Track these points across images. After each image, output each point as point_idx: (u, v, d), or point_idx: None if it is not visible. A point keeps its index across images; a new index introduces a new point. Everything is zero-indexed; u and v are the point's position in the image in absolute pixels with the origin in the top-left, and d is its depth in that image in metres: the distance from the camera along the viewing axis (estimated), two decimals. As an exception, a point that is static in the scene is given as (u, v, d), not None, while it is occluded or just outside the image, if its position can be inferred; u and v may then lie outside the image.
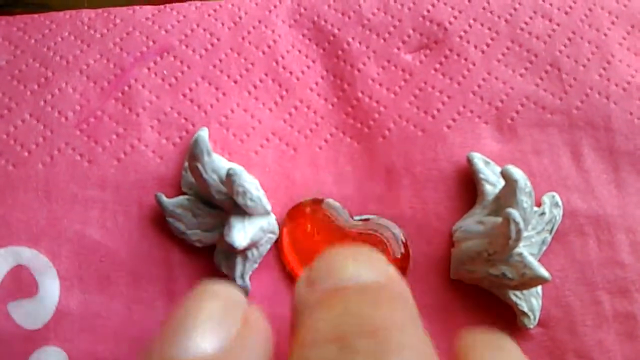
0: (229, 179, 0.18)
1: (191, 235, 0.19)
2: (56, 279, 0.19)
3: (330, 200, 0.21)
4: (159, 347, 0.11)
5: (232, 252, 0.19)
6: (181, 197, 0.20)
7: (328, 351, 0.11)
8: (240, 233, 0.18)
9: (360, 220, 0.21)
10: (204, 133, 0.20)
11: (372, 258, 0.14)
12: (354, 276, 0.13)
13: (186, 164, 0.20)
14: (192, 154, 0.19)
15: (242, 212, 0.19)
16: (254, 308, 0.13)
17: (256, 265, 0.20)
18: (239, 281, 0.19)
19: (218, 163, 0.19)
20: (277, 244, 0.20)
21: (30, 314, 0.19)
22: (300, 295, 0.13)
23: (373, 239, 0.20)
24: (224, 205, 0.19)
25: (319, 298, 0.12)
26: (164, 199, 0.20)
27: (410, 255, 0.20)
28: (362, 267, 0.13)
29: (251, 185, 0.19)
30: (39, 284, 0.19)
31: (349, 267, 0.13)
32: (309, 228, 0.20)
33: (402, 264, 0.20)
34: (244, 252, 0.19)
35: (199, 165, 0.19)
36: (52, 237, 0.20)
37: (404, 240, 0.20)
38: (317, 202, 0.21)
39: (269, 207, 0.20)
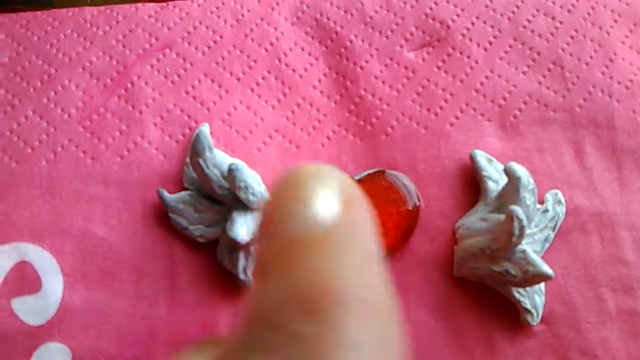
0: (231, 174, 0.18)
1: (194, 230, 0.19)
2: (60, 275, 0.19)
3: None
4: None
5: (234, 247, 0.19)
6: (183, 193, 0.20)
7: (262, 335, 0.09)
8: (243, 228, 0.18)
9: (369, 173, 0.21)
10: (205, 128, 0.20)
11: (332, 183, 0.11)
12: (307, 222, 0.11)
13: (188, 159, 0.20)
14: (194, 149, 0.19)
15: (244, 206, 0.19)
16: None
17: (259, 261, 0.20)
18: (241, 276, 0.19)
19: (220, 158, 0.19)
20: None
21: (34, 310, 0.19)
22: (256, 248, 0.11)
23: (384, 188, 0.20)
24: (226, 200, 0.19)
25: (266, 260, 0.10)
26: (166, 194, 0.20)
27: (422, 207, 0.21)
28: (319, 203, 0.10)
29: (253, 180, 0.19)
30: (43, 280, 0.19)
31: (303, 209, 0.11)
32: None
33: (413, 215, 0.20)
34: (246, 246, 0.19)
35: (201, 161, 0.19)
36: (55, 234, 0.20)
37: (416, 192, 0.20)
38: None
39: (271, 202, 0.20)
